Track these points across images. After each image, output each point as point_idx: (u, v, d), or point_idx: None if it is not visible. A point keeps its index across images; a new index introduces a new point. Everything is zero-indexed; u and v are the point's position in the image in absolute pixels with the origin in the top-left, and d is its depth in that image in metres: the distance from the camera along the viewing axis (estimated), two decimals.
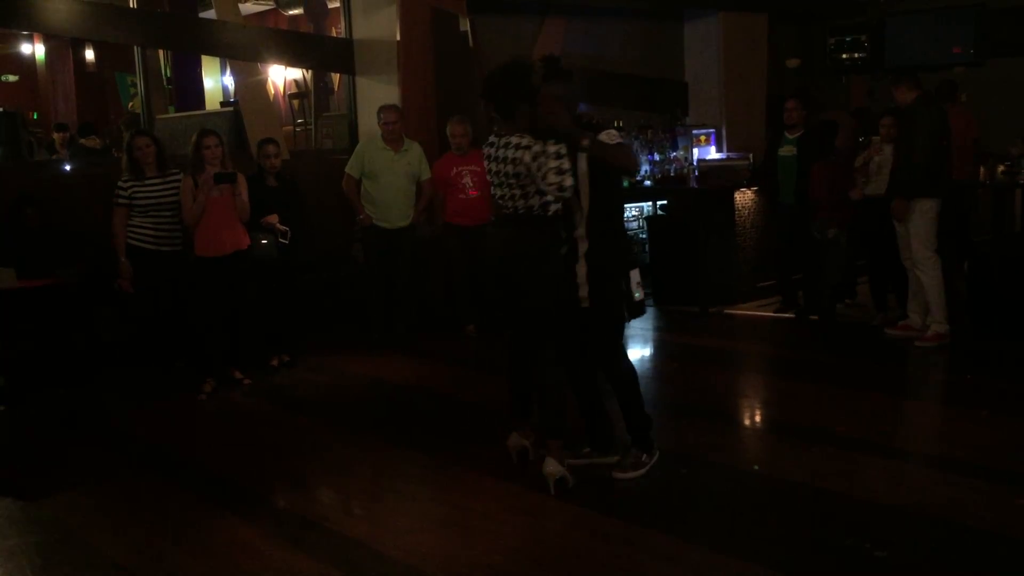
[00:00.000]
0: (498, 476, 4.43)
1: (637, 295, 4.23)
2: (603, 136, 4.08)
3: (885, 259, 6.94)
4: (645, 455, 4.41)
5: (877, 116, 7.28)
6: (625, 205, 9.52)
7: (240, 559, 3.72)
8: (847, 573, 3.41)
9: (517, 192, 4.05)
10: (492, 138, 4.19)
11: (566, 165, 3.96)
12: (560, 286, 4.13)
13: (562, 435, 4.21)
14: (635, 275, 4.22)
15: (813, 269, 7.29)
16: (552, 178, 3.95)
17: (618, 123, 9.88)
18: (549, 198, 4.02)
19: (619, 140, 4.16)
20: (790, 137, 7.62)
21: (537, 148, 3.96)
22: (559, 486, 4.12)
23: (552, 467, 4.13)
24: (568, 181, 3.97)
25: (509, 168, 4.04)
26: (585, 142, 4.03)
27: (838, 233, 7.02)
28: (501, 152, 4.08)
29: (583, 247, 4.16)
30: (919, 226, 6.39)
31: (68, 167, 8.29)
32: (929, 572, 3.42)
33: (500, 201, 4.17)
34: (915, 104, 6.42)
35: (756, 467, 4.55)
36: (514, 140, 4.03)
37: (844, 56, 11.51)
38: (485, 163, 4.20)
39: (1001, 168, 9.10)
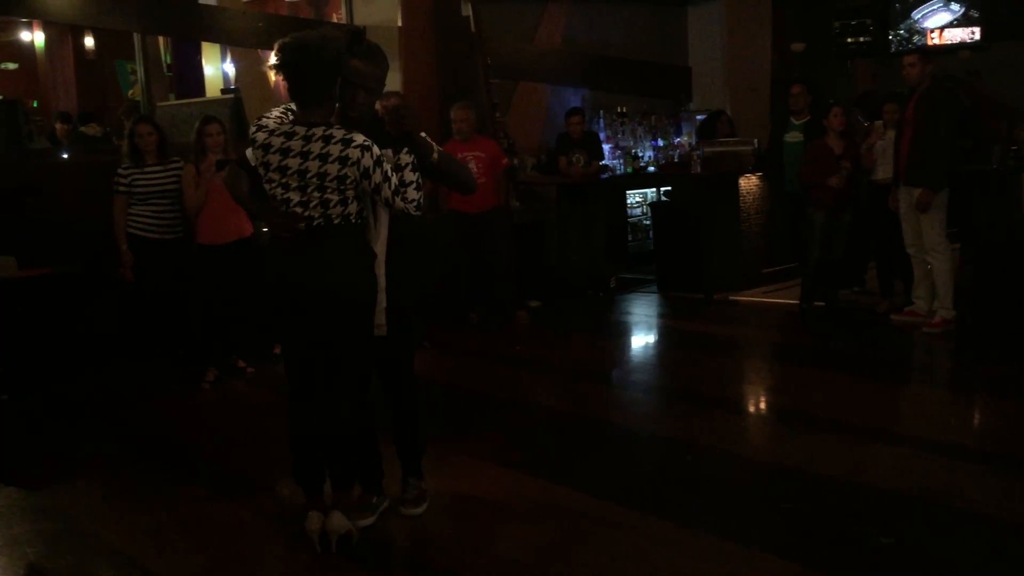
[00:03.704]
0: (502, 464, 4.42)
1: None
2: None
3: (892, 245, 6.89)
4: (422, 482, 3.95)
5: (883, 100, 7.22)
6: (629, 191, 9.51)
7: (243, 548, 3.70)
8: (852, 559, 3.39)
9: (333, 197, 3.29)
10: (276, 126, 3.37)
11: (419, 178, 3.45)
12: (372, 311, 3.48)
13: (353, 485, 3.69)
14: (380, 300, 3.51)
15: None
16: (412, 193, 3.39)
17: (621, 109, 9.85)
18: (352, 206, 3.34)
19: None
20: (796, 123, 7.58)
21: (376, 151, 3.30)
22: (343, 543, 3.51)
23: (338, 522, 3.51)
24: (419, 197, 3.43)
25: (330, 168, 3.25)
26: (435, 155, 3.55)
27: (814, 214, 6.98)
28: (305, 145, 3.27)
29: (379, 257, 3.52)
30: (933, 214, 6.33)
31: (68, 155, 8.26)
32: (935, 558, 3.40)
33: (292, 208, 3.32)
34: (932, 89, 6.33)
35: (761, 454, 4.53)
36: (335, 133, 3.28)
37: (849, 40, 11.45)
38: (266, 156, 3.33)
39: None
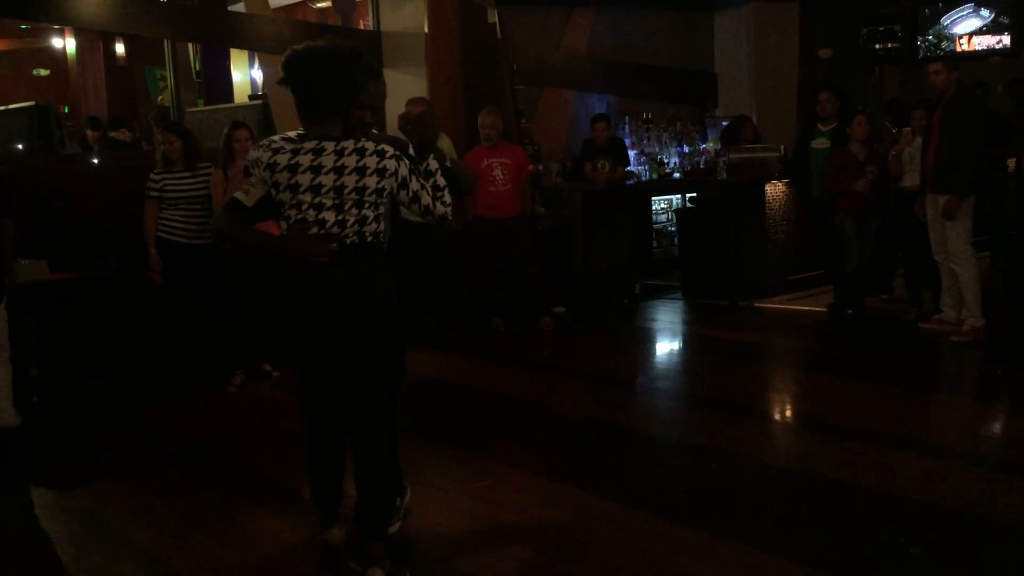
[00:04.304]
0: (526, 469, 4.42)
1: None
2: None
3: (920, 253, 6.84)
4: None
5: (911, 107, 7.17)
6: (654, 198, 9.50)
7: (270, 550, 3.73)
8: (880, 569, 3.36)
9: (370, 214, 3.16)
10: (289, 144, 3.17)
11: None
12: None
13: (386, 535, 3.43)
14: None
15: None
16: (448, 197, 3.28)
17: (647, 115, 9.83)
18: (382, 224, 3.23)
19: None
20: (823, 129, 7.55)
21: (407, 160, 3.23)
22: None
23: None
24: None
25: (369, 181, 3.12)
26: (448, 162, 3.52)
27: (844, 221, 6.94)
28: (339, 160, 3.12)
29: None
30: (958, 222, 6.28)
31: (98, 161, 8.36)
32: (963, 569, 3.36)
33: (327, 228, 3.14)
34: (958, 96, 6.29)
35: (787, 462, 4.50)
36: (367, 146, 3.15)
37: (877, 46, 11.36)
38: (294, 177, 3.12)
39: None
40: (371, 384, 3.28)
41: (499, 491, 4.20)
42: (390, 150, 3.18)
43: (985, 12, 10.78)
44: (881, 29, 11.31)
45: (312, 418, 3.47)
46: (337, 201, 3.12)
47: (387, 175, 3.15)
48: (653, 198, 9.48)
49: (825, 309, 7.41)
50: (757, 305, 7.93)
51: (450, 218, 3.33)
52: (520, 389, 5.93)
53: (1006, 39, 10.68)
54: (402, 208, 3.45)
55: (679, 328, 7.67)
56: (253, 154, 3.24)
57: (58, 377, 6.21)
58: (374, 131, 3.52)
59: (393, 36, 8.55)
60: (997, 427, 4.97)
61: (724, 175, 8.46)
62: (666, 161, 9.67)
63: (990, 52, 10.76)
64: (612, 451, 4.71)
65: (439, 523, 3.90)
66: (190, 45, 10.10)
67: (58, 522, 4.15)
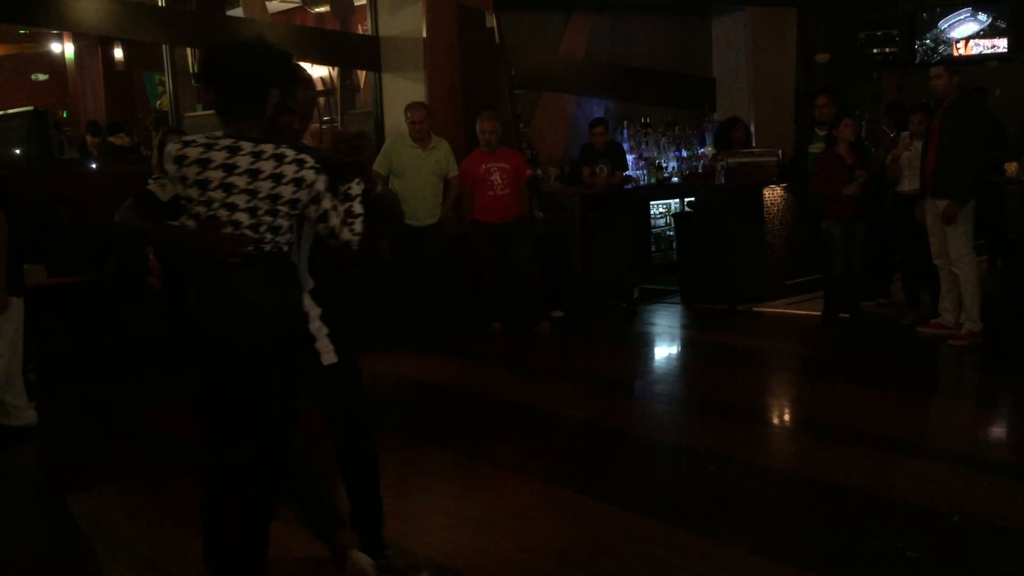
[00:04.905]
0: (525, 474, 4.42)
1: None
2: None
3: (918, 257, 6.84)
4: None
5: (910, 111, 7.18)
6: (652, 202, 9.51)
7: (268, 554, 3.72)
8: (879, 573, 3.36)
9: (284, 223, 2.93)
10: (203, 139, 2.96)
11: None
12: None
13: None
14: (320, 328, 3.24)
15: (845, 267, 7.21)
16: (359, 226, 3.03)
17: (645, 120, 9.86)
18: (292, 235, 3.00)
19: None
20: (821, 134, 7.56)
21: (325, 176, 2.97)
22: None
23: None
24: None
25: (283, 190, 2.88)
26: (379, 189, 3.31)
27: (831, 225, 6.96)
28: (255, 162, 2.88)
29: (309, 284, 3.21)
30: (959, 225, 6.29)
31: (97, 165, 8.36)
32: (961, 573, 3.37)
33: (241, 230, 2.88)
34: (959, 101, 6.30)
35: (785, 466, 4.50)
36: (286, 152, 2.91)
37: (875, 51, 11.36)
38: (204, 172, 2.88)
39: None
40: (284, 402, 3.04)
41: (497, 495, 4.20)
42: (311, 160, 2.94)
43: (983, 16, 10.80)
44: (879, 33, 11.31)
45: (224, 439, 2.99)
46: (250, 204, 2.88)
47: (303, 186, 2.91)
48: (651, 202, 9.50)
49: (821, 314, 7.43)
50: (755, 309, 7.94)
51: (355, 248, 3.05)
52: (519, 393, 5.93)
53: (1003, 43, 10.70)
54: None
55: (677, 332, 7.67)
56: (166, 147, 3.05)
57: (57, 381, 6.21)
58: (304, 142, 3.35)
59: (392, 41, 8.56)
60: (995, 431, 4.97)
61: (722, 179, 8.48)
62: (664, 165, 9.69)
63: (987, 57, 10.78)
64: (610, 455, 4.71)
65: (438, 527, 3.90)
66: (188, 50, 10.10)
67: (57, 523, 4.15)
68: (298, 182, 2.90)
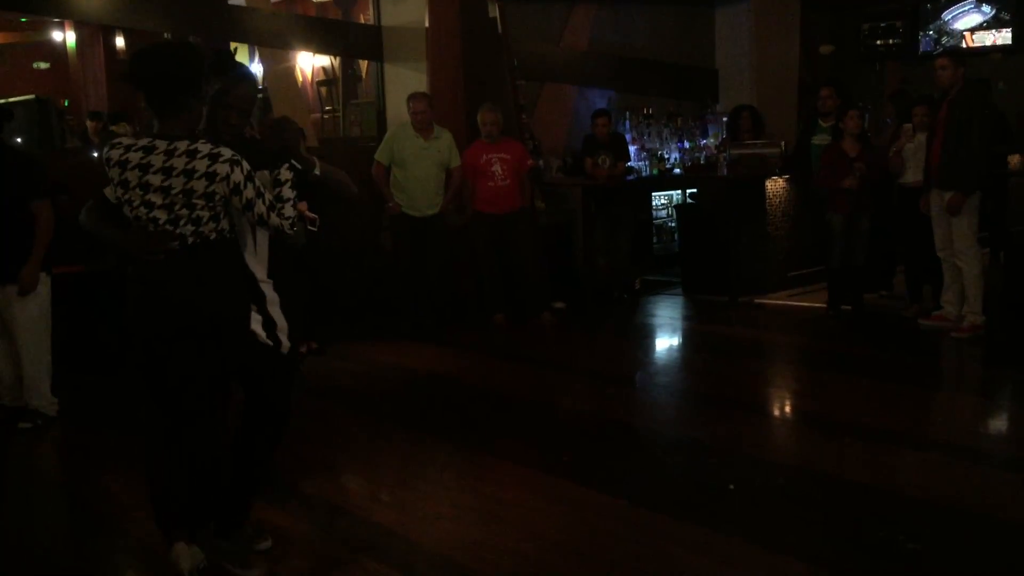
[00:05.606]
0: (527, 465, 4.42)
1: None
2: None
3: (920, 249, 6.83)
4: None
5: (914, 102, 7.16)
6: (655, 193, 9.48)
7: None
8: (879, 565, 3.37)
9: (204, 214, 3.06)
10: (128, 140, 3.14)
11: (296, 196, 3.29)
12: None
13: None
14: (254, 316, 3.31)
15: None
16: (289, 210, 3.20)
17: (647, 110, 9.83)
18: (223, 222, 3.14)
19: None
20: (824, 125, 7.54)
21: (245, 165, 3.08)
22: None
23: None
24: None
25: (196, 185, 3.01)
26: (317, 171, 3.49)
27: (832, 217, 6.98)
28: (168, 161, 3.02)
29: (260, 272, 3.38)
30: (964, 217, 6.27)
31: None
32: (962, 565, 3.37)
33: (160, 226, 3.06)
34: (966, 92, 6.28)
35: (787, 458, 4.51)
36: (200, 148, 3.04)
37: (878, 42, 11.34)
38: (124, 174, 3.06)
39: None
40: (216, 385, 3.23)
41: (499, 486, 4.20)
42: (227, 154, 3.04)
43: (986, 8, 10.77)
44: (882, 25, 11.30)
45: (163, 422, 3.27)
46: (166, 201, 3.03)
47: (217, 179, 3.01)
48: (654, 193, 9.48)
49: (824, 306, 7.42)
50: (757, 301, 7.94)
51: (288, 232, 3.22)
52: (520, 384, 5.94)
53: (1007, 34, 10.67)
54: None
55: (679, 324, 7.67)
56: None
57: (59, 370, 6.20)
58: (250, 133, 3.48)
59: (394, 31, 8.54)
60: (996, 423, 4.98)
61: (725, 171, 8.46)
62: (667, 157, 9.66)
63: (991, 48, 10.75)
64: (612, 446, 4.72)
65: (439, 518, 3.91)
66: (190, 39, 10.08)
67: (57, 515, 4.16)
68: (211, 176, 3.01)
